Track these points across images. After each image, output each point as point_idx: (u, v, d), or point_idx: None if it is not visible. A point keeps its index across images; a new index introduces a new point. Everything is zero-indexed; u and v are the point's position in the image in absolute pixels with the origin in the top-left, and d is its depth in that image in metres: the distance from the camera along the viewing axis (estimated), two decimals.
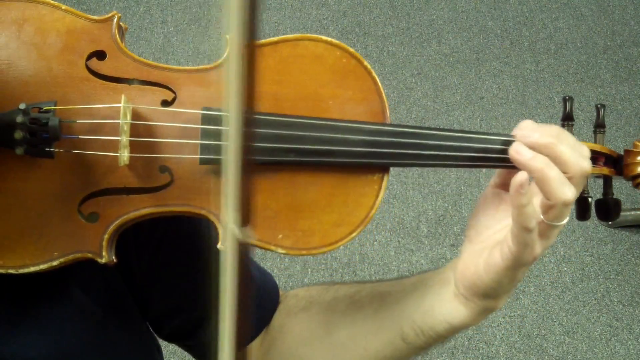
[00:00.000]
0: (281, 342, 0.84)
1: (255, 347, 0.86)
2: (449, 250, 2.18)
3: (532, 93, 2.54)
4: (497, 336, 2.01)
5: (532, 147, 0.64)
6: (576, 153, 0.64)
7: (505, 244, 0.64)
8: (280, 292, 0.90)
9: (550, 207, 0.63)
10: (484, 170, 0.73)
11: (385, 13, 2.79)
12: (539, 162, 0.63)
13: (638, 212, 2.21)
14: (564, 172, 0.63)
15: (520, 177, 0.61)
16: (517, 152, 0.64)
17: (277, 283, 0.90)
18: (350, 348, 0.77)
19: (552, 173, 0.62)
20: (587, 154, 0.66)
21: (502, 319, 2.04)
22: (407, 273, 2.14)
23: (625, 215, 2.22)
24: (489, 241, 0.68)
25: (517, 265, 0.65)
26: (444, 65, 2.63)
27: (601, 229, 2.24)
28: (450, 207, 2.27)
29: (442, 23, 2.77)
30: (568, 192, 0.62)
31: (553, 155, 0.63)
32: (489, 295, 0.68)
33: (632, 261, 2.19)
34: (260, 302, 0.87)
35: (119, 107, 0.66)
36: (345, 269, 2.13)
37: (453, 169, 2.32)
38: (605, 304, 2.10)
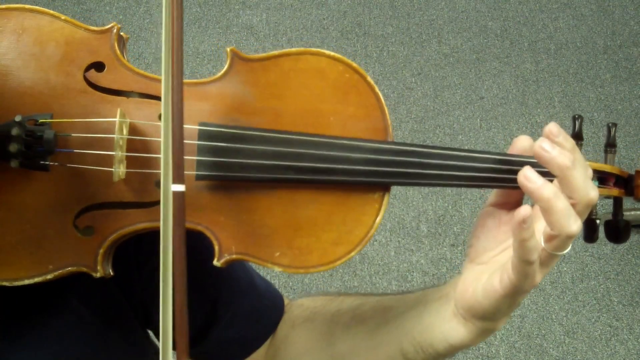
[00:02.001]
0: (285, 352, 0.84)
1: (260, 356, 0.86)
2: (449, 250, 2.18)
3: (532, 93, 2.54)
4: (497, 336, 2.01)
5: (546, 162, 0.61)
6: (587, 182, 0.61)
7: (505, 273, 0.63)
8: (286, 302, 0.89)
9: (553, 237, 0.61)
10: (491, 197, 0.72)
11: (385, 13, 2.79)
12: (548, 192, 0.60)
13: (638, 212, 2.21)
14: (570, 198, 0.61)
15: (524, 212, 0.58)
16: (527, 178, 0.61)
17: (278, 283, 0.90)
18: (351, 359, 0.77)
19: (560, 204, 0.60)
20: (591, 176, 0.64)
21: None
22: (407, 273, 2.14)
23: (625, 215, 2.21)
24: (490, 263, 0.67)
25: (516, 294, 0.63)
26: (444, 65, 2.63)
27: (601, 229, 2.24)
28: (450, 207, 2.26)
29: (442, 23, 2.77)
30: (573, 225, 0.60)
31: (564, 179, 0.61)
32: (487, 318, 0.67)
33: (632, 261, 2.19)
34: (264, 311, 0.87)
35: (115, 121, 0.65)
36: (345, 269, 2.13)
37: None
38: (605, 304, 2.10)
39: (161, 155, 0.60)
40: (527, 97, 2.53)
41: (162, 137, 0.60)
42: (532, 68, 2.63)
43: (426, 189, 2.29)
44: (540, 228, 0.62)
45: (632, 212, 2.21)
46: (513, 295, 0.63)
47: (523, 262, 0.60)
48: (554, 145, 0.61)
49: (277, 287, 0.92)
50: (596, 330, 2.05)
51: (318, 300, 0.85)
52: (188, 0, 2.79)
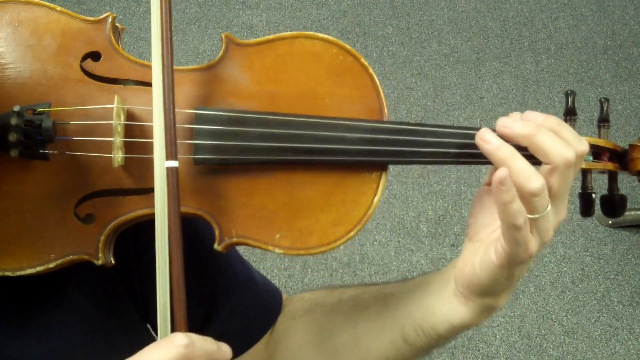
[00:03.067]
0: (285, 345, 0.84)
1: (259, 350, 0.86)
2: (449, 250, 2.18)
3: (532, 93, 2.54)
4: (497, 336, 2.01)
5: (511, 138, 0.62)
6: (559, 143, 0.62)
7: (499, 242, 0.63)
8: (285, 297, 0.90)
9: (522, 199, 0.61)
10: (483, 169, 0.72)
11: (385, 13, 2.79)
12: (504, 152, 0.61)
13: (638, 212, 2.21)
14: (547, 163, 0.62)
15: (500, 173, 0.59)
16: (484, 140, 0.63)
17: (278, 283, 0.90)
18: (353, 350, 0.77)
19: (518, 164, 0.61)
20: (582, 146, 0.64)
21: (502, 319, 2.04)
22: (407, 273, 2.14)
23: (625, 215, 2.22)
24: (488, 239, 0.67)
25: (512, 263, 0.63)
26: (444, 65, 2.63)
27: (601, 229, 2.24)
28: (450, 207, 2.26)
29: (442, 23, 2.77)
30: (534, 183, 0.60)
31: (532, 144, 0.62)
32: (487, 293, 0.67)
33: (632, 261, 2.19)
34: (263, 304, 0.87)
35: (112, 107, 0.65)
36: (345, 269, 2.13)
37: (453, 169, 2.32)
38: (605, 304, 2.10)
39: (154, 131, 0.61)
40: (527, 97, 2.53)
41: (155, 113, 0.61)
42: (532, 68, 2.63)
43: (426, 189, 2.29)
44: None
45: (632, 212, 2.21)
46: (509, 265, 0.63)
47: (510, 227, 0.61)
48: (513, 120, 0.64)
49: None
50: (596, 330, 2.05)
51: (318, 293, 0.85)
52: (188, 1, 2.79)
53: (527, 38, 2.73)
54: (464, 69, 2.62)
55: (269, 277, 2.07)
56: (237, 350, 0.86)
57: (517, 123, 0.63)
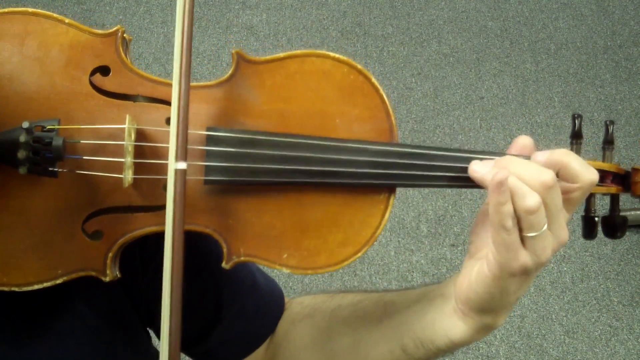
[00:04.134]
0: (285, 349, 0.84)
1: (260, 353, 0.86)
2: (449, 250, 2.18)
3: (532, 93, 2.54)
4: (497, 336, 2.01)
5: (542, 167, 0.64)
6: (584, 166, 0.64)
7: (490, 252, 0.64)
8: (286, 300, 0.90)
9: (518, 218, 0.62)
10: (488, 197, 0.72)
11: (385, 13, 2.79)
12: (499, 176, 0.62)
13: (638, 212, 2.21)
14: (573, 183, 0.64)
15: (500, 175, 0.60)
16: (474, 170, 0.65)
17: (278, 282, 0.91)
18: (352, 355, 0.77)
19: (513, 181, 0.62)
20: (589, 174, 0.65)
21: None
22: (407, 273, 2.14)
23: (626, 215, 2.21)
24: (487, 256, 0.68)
25: (504, 274, 0.63)
26: (444, 65, 2.63)
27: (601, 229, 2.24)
28: (450, 207, 2.27)
29: (442, 23, 2.77)
30: (529, 200, 0.61)
31: (561, 170, 0.64)
32: (484, 310, 0.67)
33: (632, 261, 2.19)
34: (265, 309, 0.87)
35: (124, 128, 0.65)
36: (345, 269, 2.13)
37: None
38: (605, 304, 2.10)
39: (170, 147, 0.61)
40: (527, 97, 2.53)
41: (172, 131, 0.62)
42: (532, 68, 2.63)
43: (426, 189, 2.29)
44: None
45: (632, 212, 2.21)
46: (501, 277, 0.64)
47: (498, 228, 0.61)
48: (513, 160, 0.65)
49: None
50: (596, 330, 2.05)
51: (318, 298, 0.85)
52: None
53: (527, 38, 2.73)
54: (464, 69, 2.62)
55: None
56: (239, 355, 0.86)
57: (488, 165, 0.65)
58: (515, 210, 0.61)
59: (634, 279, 2.16)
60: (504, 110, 2.48)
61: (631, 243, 2.23)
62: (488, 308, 0.67)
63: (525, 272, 0.63)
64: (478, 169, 0.65)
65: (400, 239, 2.19)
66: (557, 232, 0.64)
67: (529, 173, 0.62)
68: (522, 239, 0.63)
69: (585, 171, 0.64)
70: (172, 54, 0.64)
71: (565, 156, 0.64)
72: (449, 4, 2.83)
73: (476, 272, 0.66)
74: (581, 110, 2.41)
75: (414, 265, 2.15)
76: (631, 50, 2.71)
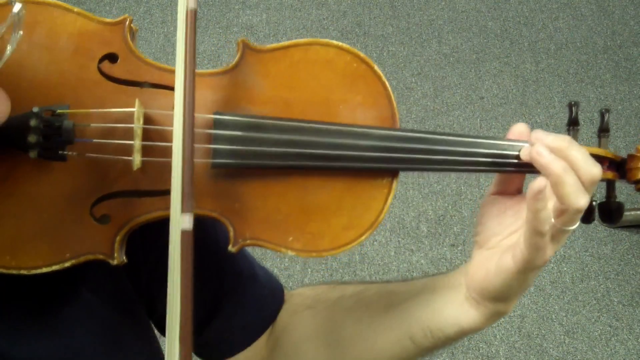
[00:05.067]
0: (286, 340, 0.84)
1: (261, 345, 0.86)
2: (449, 250, 2.18)
3: (532, 93, 2.54)
4: (497, 336, 2.02)
5: (552, 150, 0.65)
6: (588, 160, 0.65)
7: (518, 248, 0.65)
8: (286, 292, 0.90)
9: (563, 212, 0.63)
10: (491, 186, 0.73)
11: (385, 13, 2.79)
12: (558, 166, 0.63)
13: (638, 212, 2.21)
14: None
15: (540, 183, 0.61)
16: (539, 153, 0.64)
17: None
18: (355, 345, 0.78)
19: (570, 178, 0.63)
20: (594, 170, 0.66)
21: (502, 319, 2.04)
22: (407, 273, 2.14)
23: (625, 215, 2.21)
24: (499, 247, 0.69)
25: (528, 269, 0.65)
26: (444, 65, 2.63)
27: (601, 229, 2.24)
28: (450, 207, 2.27)
29: (442, 23, 2.77)
30: (582, 199, 0.63)
31: (566, 159, 0.64)
32: (499, 299, 0.68)
33: (632, 261, 2.19)
34: (265, 300, 0.88)
35: (133, 111, 0.66)
36: (345, 269, 2.13)
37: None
38: (605, 304, 2.10)
39: (174, 134, 0.62)
40: (527, 97, 2.53)
41: (175, 118, 0.62)
42: (532, 68, 2.63)
43: (426, 189, 2.29)
44: (549, 206, 0.64)
45: (632, 212, 2.21)
46: (525, 271, 0.65)
47: (535, 234, 0.63)
48: (546, 133, 0.66)
49: None
50: (596, 330, 2.05)
51: (319, 288, 0.86)
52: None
53: (527, 38, 2.73)
54: (464, 69, 2.62)
55: None
56: (239, 345, 0.86)
57: (550, 136, 0.65)
58: (561, 204, 0.63)
59: (634, 279, 2.16)
60: (504, 110, 2.48)
61: (631, 243, 2.23)
62: (503, 297, 0.68)
63: (545, 263, 0.65)
64: (544, 153, 0.64)
65: (400, 239, 2.19)
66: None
67: (583, 164, 0.64)
68: (553, 231, 0.64)
69: (588, 166, 0.64)
70: (173, 54, 0.65)
71: (569, 148, 0.64)
72: (449, 4, 2.83)
73: (496, 265, 0.67)
74: (581, 110, 2.41)
75: (414, 265, 2.15)
76: (631, 50, 2.71)
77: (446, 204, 2.27)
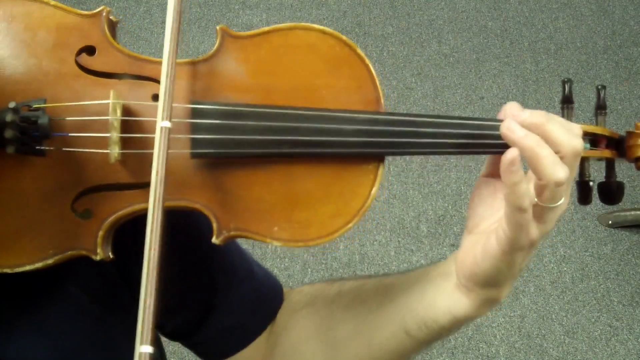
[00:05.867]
0: (285, 338, 0.84)
1: (260, 344, 0.86)
2: (449, 250, 2.18)
3: (532, 93, 2.54)
4: (497, 336, 2.01)
5: (522, 127, 0.63)
6: (567, 132, 0.63)
7: (500, 228, 0.63)
8: (285, 290, 0.90)
9: (543, 188, 0.61)
10: (483, 168, 0.73)
11: (385, 13, 2.79)
12: (531, 140, 0.61)
13: (638, 212, 2.21)
14: (556, 152, 0.62)
15: (511, 153, 0.60)
16: (509, 129, 0.63)
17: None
18: (354, 341, 0.77)
19: (544, 152, 0.61)
20: (579, 132, 0.65)
21: (502, 319, 2.04)
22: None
23: (625, 215, 2.22)
24: (488, 231, 0.67)
25: (514, 249, 0.63)
26: (444, 65, 2.63)
27: (601, 229, 2.24)
28: (450, 207, 2.27)
29: (442, 23, 2.77)
30: (560, 172, 0.60)
31: (543, 135, 0.62)
32: (489, 284, 0.67)
33: (632, 261, 2.19)
34: (263, 298, 0.87)
35: (109, 103, 0.65)
36: (345, 269, 2.13)
37: (453, 169, 2.32)
38: (605, 304, 2.10)
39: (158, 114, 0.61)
40: (527, 97, 2.53)
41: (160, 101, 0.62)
42: (532, 68, 2.63)
43: (426, 189, 2.29)
44: (531, 187, 0.63)
45: (632, 212, 2.21)
46: (511, 251, 0.63)
47: (515, 209, 0.61)
48: (521, 109, 0.65)
49: None
50: (596, 330, 2.05)
51: (318, 286, 0.85)
52: (188, 0, 2.79)
53: (527, 38, 2.73)
54: (464, 69, 2.62)
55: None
56: (238, 344, 0.86)
57: (526, 112, 0.64)
58: (539, 179, 0.61)
59: (634, 279, 2.16)
60: None
61: (631, 243, 2.23)
62: (493, 282, 0.67)
63: (533, 245, 0.63)
64: (515, 129, 0.63)
65: (400, 239, 2.19)
66: (566, 199, 0.64)
67: (562, 137, 0.62)
68: (537, 211, 0.62)
69: (568, 139, 0.62)
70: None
71: (545, 123, 0.63)
72: (449, 4, 2.83)
73: (482, 247, 0.66)
74: (581, 110, 2.41)
75: (414, 265, 2.15)
76: (631, 50, 2.71)
77: (446, 204, 2.27)
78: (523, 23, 2.78)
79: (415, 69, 2.61)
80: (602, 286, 2.13)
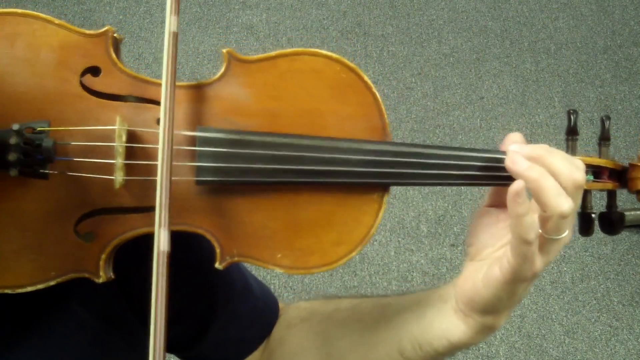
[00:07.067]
0: (280, 353, 0.84)
1: (255, 358, 0.86)
2: (449, 250, 2.18)
3: (532, 93, 2.54)
4: (497, 336, 2.01)
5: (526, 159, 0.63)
6: (569, 164, 0.63)
7: (505, 258, 0.63)
8: (281, 305, 0.90)
9: (547, 220, 0.62)
10: (485, 199, 0.73)
11: (385, 13, 2.79)
12: (535, 172, 0.62)
13: (638, 212, 2.21)
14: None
15: (516, 185, 0.60)
16: (513, 161, 0.63)
17: (277, 283, 0.90)
18: (348, 358, 0.77)
19: (548, 183, 0.61)
20: (582, 166, 0.65)
21: None
22: (407, 273, 2.14)
23: (626, 215, 2.21)
24: (490, 258, 0.67)
25: (517, 280, 0.64)
26: (444, 65, 2.63)
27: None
28: (450, 207, 2.27)
29: (442, 23, 2.77)
30: (564, 204, 0.61)
31: (546, 167, 0.62)
32: (487, 311, 0.67)
33: (632, 261, 2.19)
34: (259, 313, 0.87)
35: (114, 129, 0.64)
36: (345, 269, 2.13)
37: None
38: (605, 304, 2.10)
39: (159, 152, 0.61)
40: (527, 97, 2.53)
41: (160, 136, 0.61)
42: (532, 68, 2.63)
43: (426, 189, 2.29)
44: (535, 216, 0.63)
45: (632, 212, 2.21)
46: (513, 282, 0.64)
47: (521, 241, 0.61)
48: (524, 142, 0.65)
49: (277, 287, 0.92)
50: (596, 330, 2.05)
51: (315, 302, 0.85)
52: (188, 0, 2.79)
53: (527, 38, 2.73)
54: (464, 69, 2.62)
55: (269, 276, 2.07)
56: (233, 359, 0.86)
57: (528, 146, 0.64)
58: (544, 210, 0.61)
59: (634, 279, 2.16)
60: (504, 110, 2.48)
61: (631, 243, 2.23)
62: (492, 309, 0.67)
63: (536, 276, 0.64)
64: (519, 161, 0.63)
65: (400, 239, 2.19)
66: (569, 231, 0.64)
67: (564, 169, 0.62)
68: (541, 242, 0.62)
69: (570, 171, 0.63)
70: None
71: (548, 156, 0.63)
72: (449, 4, 2.83)
73: (484, 275, 0.65)
74: (581, 110, 2.41)
75: (414, 265, 2.15)
76: (631, 50, 2.71)
77: (446, 204, 2.27)
78: (523, 23, 2.78)
79: (415, 69, 2.61)
80: (602, 286, 2.13)
